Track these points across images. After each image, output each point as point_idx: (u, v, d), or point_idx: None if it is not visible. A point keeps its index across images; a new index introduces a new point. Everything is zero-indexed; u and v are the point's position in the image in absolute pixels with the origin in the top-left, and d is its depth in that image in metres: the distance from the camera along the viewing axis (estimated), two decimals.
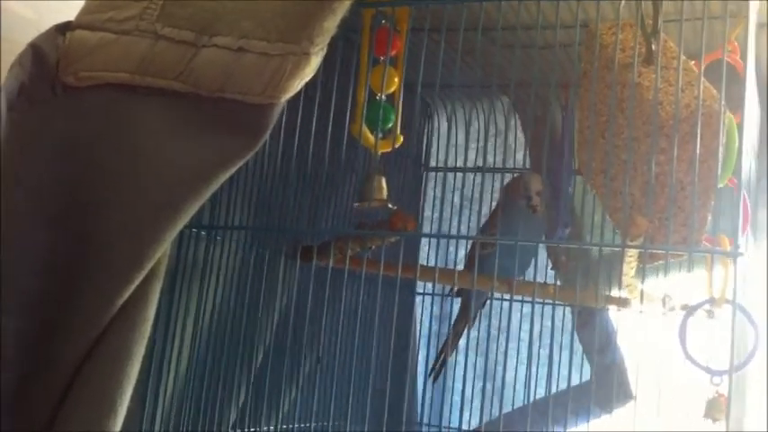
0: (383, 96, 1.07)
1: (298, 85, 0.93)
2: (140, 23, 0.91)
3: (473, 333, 1.55)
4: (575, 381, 1.54)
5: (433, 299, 1.71)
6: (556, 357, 1.57)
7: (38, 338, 0.85)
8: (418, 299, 1.70)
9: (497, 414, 1.57)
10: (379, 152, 1.06)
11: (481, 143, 1.61)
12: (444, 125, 1.65)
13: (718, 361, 1.32)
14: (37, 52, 0.88)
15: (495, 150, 1.60)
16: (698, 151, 0.84)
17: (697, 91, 0.87)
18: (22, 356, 0.84)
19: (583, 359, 1.58)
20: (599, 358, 1.60)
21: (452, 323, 1.51)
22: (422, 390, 1.67)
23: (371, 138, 1.07)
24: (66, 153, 0.87)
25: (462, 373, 1.64)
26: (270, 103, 0.93)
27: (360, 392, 1.37)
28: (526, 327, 1.58)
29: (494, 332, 1.51)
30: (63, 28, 0.90)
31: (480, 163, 1.56)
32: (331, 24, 0.93)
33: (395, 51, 1.08)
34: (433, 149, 1.68)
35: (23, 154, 0.86)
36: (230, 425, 1.19)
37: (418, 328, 1.71)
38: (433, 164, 1.68)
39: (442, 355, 1.52)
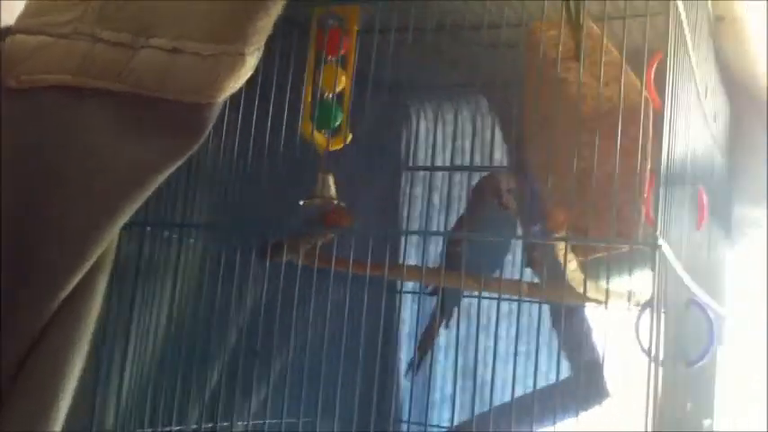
0: (332, 96, 1.09)
1: (234, 84, 0.95)
2: (78, 26, 0.93)
3: (453, 331, 1.56)
4: (553, 379, 1.54)
5: (418, 297, 1.71)
6: (534, 356, 1.57)
7: None
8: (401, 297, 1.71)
9: (479, 412, 1.58)
10: (330, 150, 1.08)
11: (458, 142, 1.62)
12: (423, 125, 1.66)
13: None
14: None
15: (472, 149, 1.61)
16: (617, 145, 0.84)
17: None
18: None
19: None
20: (576, 356, 1.60)
21: (428, 321, 1.52)
22: (405, 388, 1.68)
23: (320, 136, 1.08)
24: (13, 155, 0.90)
25: (443, 372, 1.66)
26: (207, 103, 0.95)
27: (336, 390, 1.39)
28: (505, 325, 1.59)
29: (473, 330, 1.52)
30: (3, 33, 0.93)
31: (459, 162, 1.57)
32: (266, 24, 0.94)
33: (344, 50, 1.10)
34: (413, 149, 1.69)
35: None
36: (195, 419, 1.21)
37: (402, 326, 1.72)
38: (413, 164, 1.69)
39: (420, 353, 1.53)
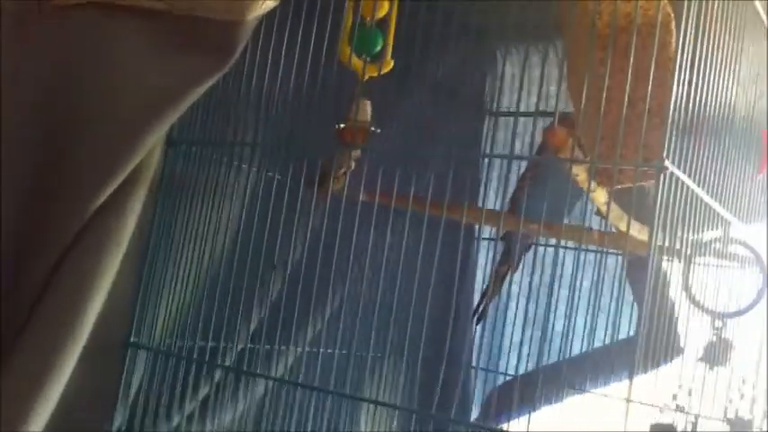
0: (371, 22, 1.08)
1: (261, 4, 0.96)
2: None
3: (526, 279, 1.53)
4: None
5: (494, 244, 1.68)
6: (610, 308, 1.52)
7: (16, 246, 0.92)
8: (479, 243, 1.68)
9: (549, 362, 1.54)
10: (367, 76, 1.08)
11: (544, 87, 1.57)
12: (509, 69, 1.62)
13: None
14: None
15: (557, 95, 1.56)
16: (630, 65, 0.80)
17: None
18: None
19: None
20: (650, 309, 1.53)
21: (495, 267, 1.49)
22: (476, 335, 1.67)
23: (359, 63, 1.08)
24: (53, 71, 0.95)
25: (513, 320, 1.63)
26: (236, 21, 0.97)
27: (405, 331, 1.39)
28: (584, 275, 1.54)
29: (546, 279, 1.48)
30: None
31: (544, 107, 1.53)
32: None
33: None
34: (497, 94, 1.65)
35: (12, 74, 0.94)
36: (244, 341, 1.24)
37: (478, 273, 1.70)
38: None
39: (485, 299, 1.51)
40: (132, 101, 0.95)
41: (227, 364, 1.20)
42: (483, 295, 1.52)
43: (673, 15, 0.82)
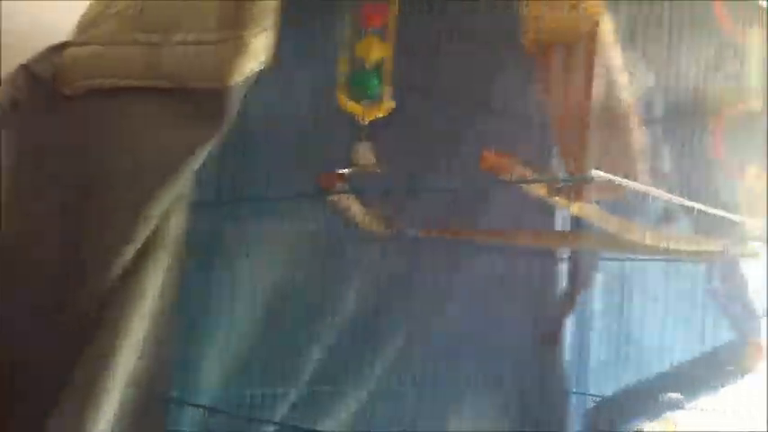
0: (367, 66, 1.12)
1: (244, 67, 1.02)
2: (119, 36, 1.07)
3: (605, 297, 1.51)
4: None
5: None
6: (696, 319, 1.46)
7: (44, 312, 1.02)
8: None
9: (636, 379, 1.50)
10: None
11: None
12: None
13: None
14: (31, 73, 1.07)
15: None
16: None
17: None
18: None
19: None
20: (736, 316, 1.45)
21: (565, 287, 1.47)
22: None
23: (357, 106, 1.12)
24: (68, 153, 1.06)
25: (598, 339, 1.59)
26: (224, 88, 1.03)
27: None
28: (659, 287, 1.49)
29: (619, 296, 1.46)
30: (59, 48, 1.09)
31: None
32: (266, 5, 1.01)
33: (383, 21, 1.12)
34: None
35: (27, 161, 1.05)
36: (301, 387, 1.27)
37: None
38: None
39: (557, 322, 1.49)
40: (139, 171, 1.03)
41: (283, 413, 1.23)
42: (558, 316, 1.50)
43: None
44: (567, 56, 0.79)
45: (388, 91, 1.12)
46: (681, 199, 0.94)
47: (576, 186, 0.85)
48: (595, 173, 0.75)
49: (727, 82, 1.08)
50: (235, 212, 1.22)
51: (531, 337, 1.54)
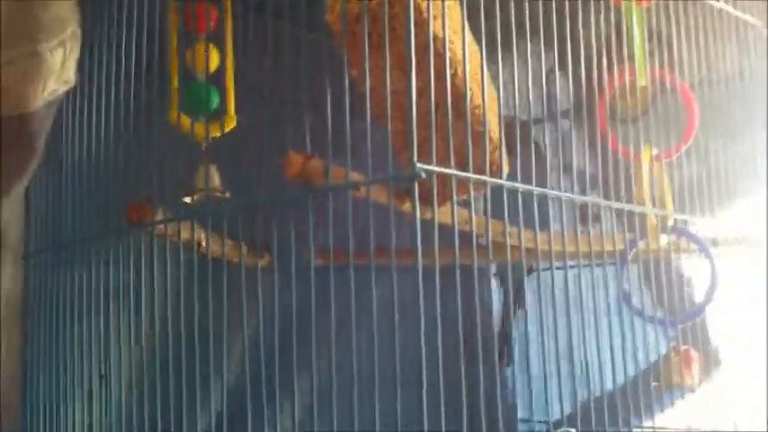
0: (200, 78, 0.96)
1: (43, 85, 0.87)
2: None
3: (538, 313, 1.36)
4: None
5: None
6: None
7: None
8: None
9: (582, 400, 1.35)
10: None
11: None
12: None
13: None
14: None
15: None
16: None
17: None
18: None
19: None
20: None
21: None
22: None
23: (196, 124, 0.95)
24: None
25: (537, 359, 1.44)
26: (25, 113, 0.88)
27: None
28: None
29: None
30: None
31: None
32: (53, 16, 0.86)
33: (213, 26, 0.97)
34: None
35: None
36: None
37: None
38: None
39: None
40: None
41: None
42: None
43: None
44: (371, 28, 0.64)
45: (230, 103, 0.96)
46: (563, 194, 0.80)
47: (405, 186, 0.69)
48: (422, 167, 0.59)
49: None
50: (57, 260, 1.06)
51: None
